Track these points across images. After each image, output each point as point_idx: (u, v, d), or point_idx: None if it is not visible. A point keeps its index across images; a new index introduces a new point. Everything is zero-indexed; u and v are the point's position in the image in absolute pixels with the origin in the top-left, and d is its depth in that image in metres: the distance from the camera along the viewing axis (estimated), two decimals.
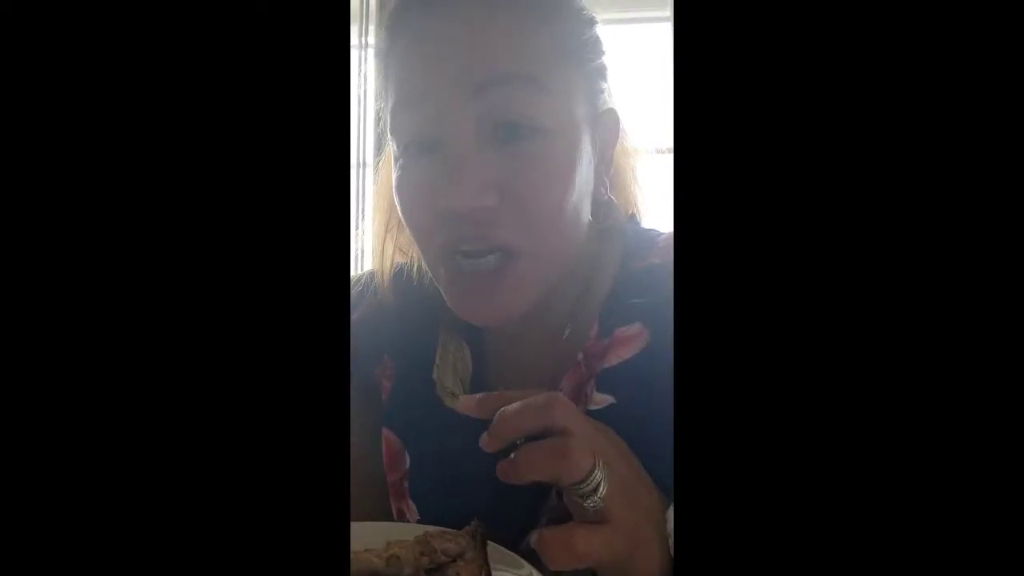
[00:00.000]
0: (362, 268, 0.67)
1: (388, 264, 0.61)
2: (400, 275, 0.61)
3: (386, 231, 0.61)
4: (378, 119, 0.56)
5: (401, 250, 0.61)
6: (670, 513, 0.42)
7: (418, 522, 0.56)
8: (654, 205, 0.60)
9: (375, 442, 0.60)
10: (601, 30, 0.53)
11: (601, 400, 0.51)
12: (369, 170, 1.50)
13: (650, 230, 0.58)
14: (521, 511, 0.51)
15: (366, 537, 0.40)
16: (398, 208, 0.52)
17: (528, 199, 0.48)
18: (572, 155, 0.49)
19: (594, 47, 0.53)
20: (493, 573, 0.40)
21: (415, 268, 0.60)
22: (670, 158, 0.36)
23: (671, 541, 0.41)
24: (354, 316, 0.62)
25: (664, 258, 0.54)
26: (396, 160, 0.51)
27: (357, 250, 0.64)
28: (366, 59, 1.54)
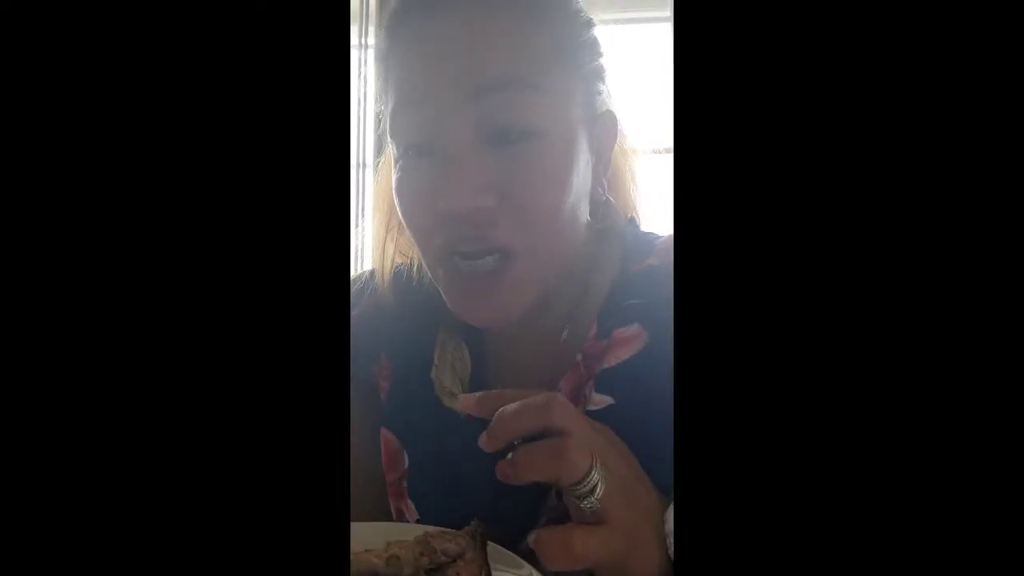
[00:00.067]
0: (361, 266, 0.67)
1: (388, 265, 0.61)
2: (400, 275, 0.62)
3: (387, 232, 0.61)
4: (378, 121, 0.56)
5: (401, 251, 0.62)
6: (668, 513, 0.42)
7: (417, 522, 0.56)
8: (653, 206, 0.60)
9: (374, 442, 0.60)
10: (599, 31, 0.54)
11: (600, 401, 0.51)
12: (369, 170, 1.50)
13: (649, 233, 0.58)
14: (520, 511, 0.51)
15: (366, 537, 0.40)
16: (398, 209, 0.52)
17: (525, 200, 0.48)
18: (569, 157, 0.49)
19: (592, 48, 0.53)
20: (493, 573, 0.40)
21: (415, 268, 0.60)
22: (669, 158, 0.36)
23: (670, 541, 0.41)
24: (352, 315, 0.62)
25: (662, 260, 0.54)
26: (396, 162, 0.52)
27: (356, 248, 0.65)
28: (366, 60, 1.54)
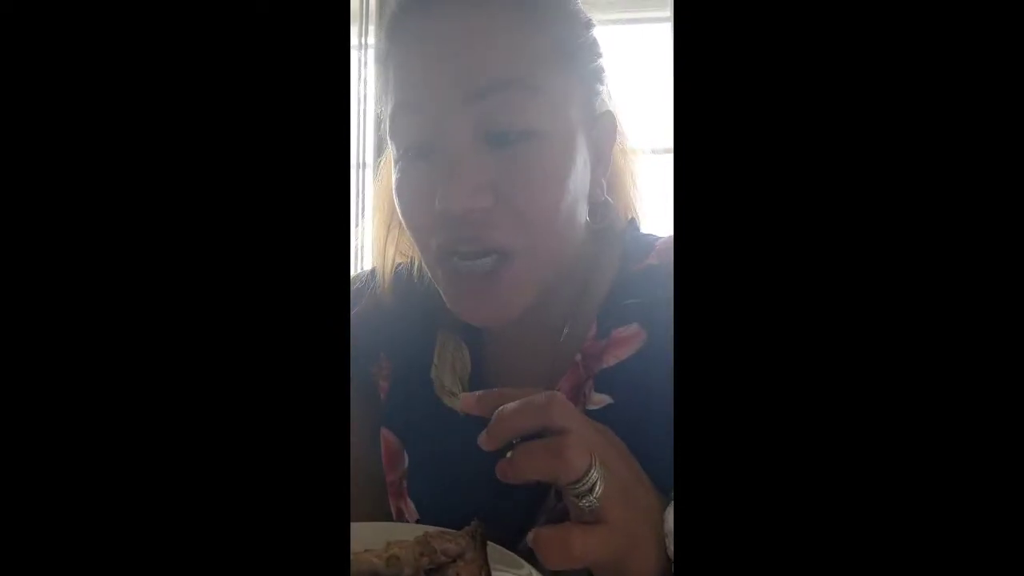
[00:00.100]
0: (361, 266, 0.67)
1: (389, 265, 0.61)
2: (400, 275, 0.62)
3: (387, 232, 0.61)
4: (378, 123, 0.56)
5: (401, 251, 0.62)
6: (668, 513, 0.42)
7: (417, 522, 0.56)
8: (652, 206, 0.60)
9: (374, 442, 0.60)
10: (599, 32, 0.54)
11: (599, 400, 0.51)
12: (369, 171, 1.51)
13: (648, 234, 0.58)
14: (520, 511, 0.51)
15: (366, 537, 0.40)
16: (398, 210, 0.53)
17: (524, 201, 0.48)
18: (568, 157, 0.49)
19: (591, 49, 0.53)
20: (493, 573, 0.40)
21: (415, 268, 0.60)
22: (669, 159, 0.36)
23: (669, 541, 0.41)
24: (352, 314, 0.62)
25: (662, 260, 0.55)
26: (396, 163, 0.52)
27: (356, 248, 0.65)
28: (366, 61, 1.54)
